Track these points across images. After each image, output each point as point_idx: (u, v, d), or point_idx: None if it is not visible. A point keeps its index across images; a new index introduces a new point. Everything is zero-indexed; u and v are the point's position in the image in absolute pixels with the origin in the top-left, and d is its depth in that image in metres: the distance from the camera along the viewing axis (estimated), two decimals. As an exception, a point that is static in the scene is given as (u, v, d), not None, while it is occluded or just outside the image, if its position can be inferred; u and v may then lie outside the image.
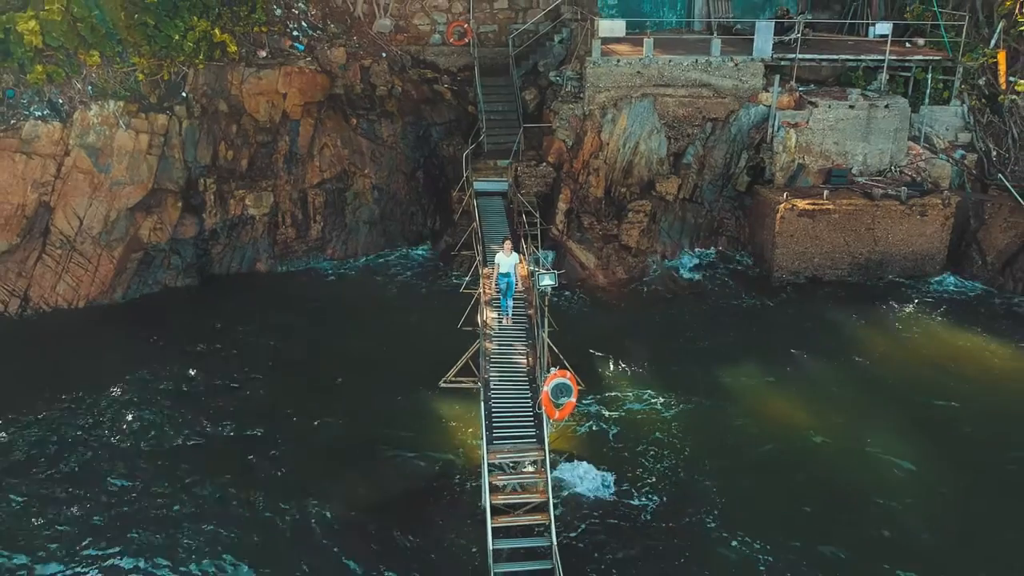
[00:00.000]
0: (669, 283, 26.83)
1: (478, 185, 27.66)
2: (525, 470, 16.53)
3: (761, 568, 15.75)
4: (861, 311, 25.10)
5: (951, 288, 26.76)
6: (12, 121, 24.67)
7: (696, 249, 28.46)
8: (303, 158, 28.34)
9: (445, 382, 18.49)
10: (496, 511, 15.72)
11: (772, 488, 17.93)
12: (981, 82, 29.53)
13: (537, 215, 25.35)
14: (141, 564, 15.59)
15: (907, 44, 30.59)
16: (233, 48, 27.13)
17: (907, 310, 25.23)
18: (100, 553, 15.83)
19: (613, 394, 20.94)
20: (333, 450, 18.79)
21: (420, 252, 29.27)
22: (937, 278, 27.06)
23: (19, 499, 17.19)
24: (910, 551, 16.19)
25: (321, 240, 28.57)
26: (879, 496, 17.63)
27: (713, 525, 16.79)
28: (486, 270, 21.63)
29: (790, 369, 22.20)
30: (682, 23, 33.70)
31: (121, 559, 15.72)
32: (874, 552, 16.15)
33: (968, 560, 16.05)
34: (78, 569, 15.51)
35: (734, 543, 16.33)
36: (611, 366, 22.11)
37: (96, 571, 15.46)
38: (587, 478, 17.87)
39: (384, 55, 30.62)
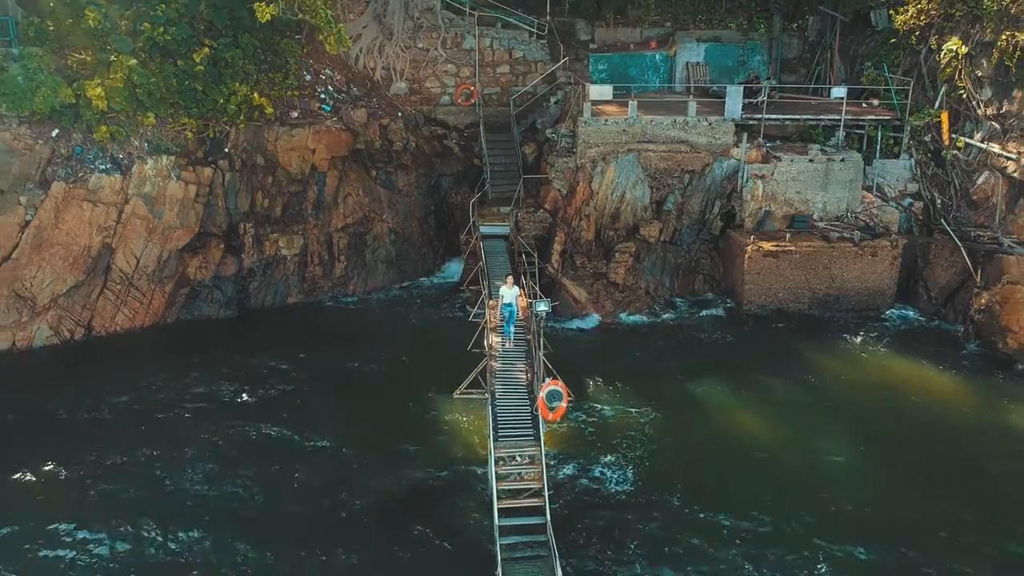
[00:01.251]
0: (651, 315, 30.50)
1: (483, 229, 31.43)
2: (524, 462, 20.01)
3: (717, 535, 19.19)
4: (818, 339, 28.74)
5: (899, 319, 30.39)
6: (80, 174, 28.46)
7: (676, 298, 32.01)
8: (329, 205, 32.17)
9: (458, 393, 22.17)
10: (501, 495, 19.20)
11: (730, 475, 21.42)
12: (927, 139, 33.45)
13: (535, 255, 29.17)
14: (194, 534, 18.99)
15: (864, 104, 34.62)
16: (269, 110, 31.04)
17: (859, 338, 28.88)
18: (157, 530, 19.26)
19: (596, 403, 24.51)
20: (362, 449, 22.26)
21: (432, 280, 33.01)
22: (887, 311, 30.67)
23: (92, 479, 20.67)
24: (845, 525, 19.61)
25: (344, 277, 32.29)
26: (822, 484, 21.12)
27: (677, 504, 20.29)
28: (491, 302, 25.29)
29: (753, 386, 25.72)
30: (665, 86, 37.70)
31: (174, 533, 19.12)
32: (816, 525, 19.60)
33: (893, 532, 19.46)
34: (145, 539, 18.92)
35: (695, 517, 19.78)
36: (596, 380, 25.68)
37: (153, 547, 18.86)
38: (574, 468, 21.36)
39: (400, 114, 34.63)
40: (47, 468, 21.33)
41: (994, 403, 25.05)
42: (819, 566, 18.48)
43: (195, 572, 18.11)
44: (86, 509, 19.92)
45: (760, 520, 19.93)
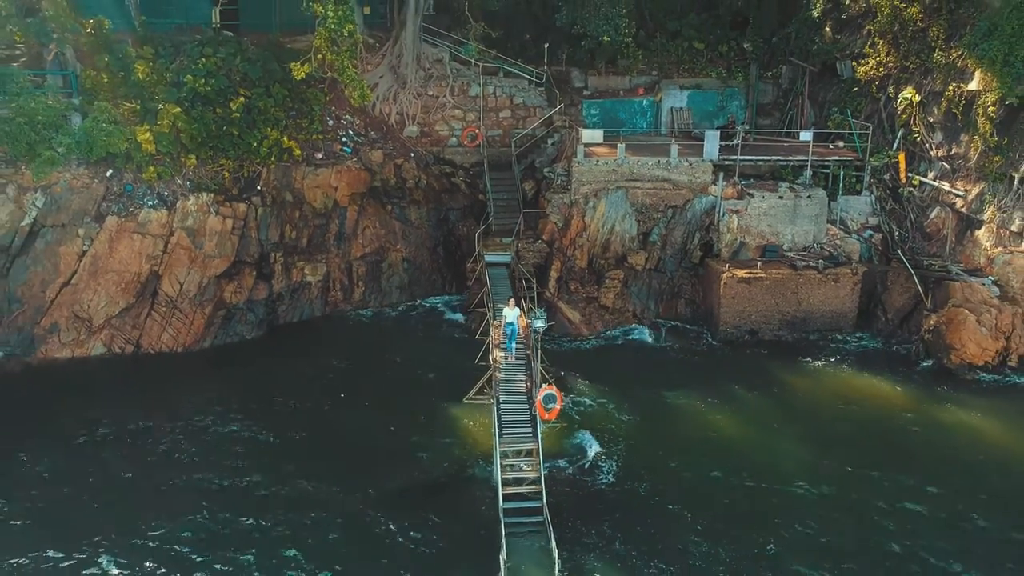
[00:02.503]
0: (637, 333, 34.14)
1: (487, 257, 35.01)
2: (524, 456, 23.50)
3: (687, 519, 22.67)
4: (785, 356, 32.29)
5: (858, 339, 33.97)
6: (131, 209, 32.15)
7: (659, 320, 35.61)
8: (349, 237, 35.89)
9: (467, 399, 25.75)
10: (505, 483, 22.70)
11: (701, 469, 24.99)
12: (886, 177, 37.24)
13: (534, 281, 32.84)
14: (241, 509, 22.49)
15: (831, 146, 38.43)
16: (297, 152, 34.81)
17: (822, 354, 32.44)
18: (210, 505, 22.75)
19: (586, 408, 28.11)
20: (384, 446, 25.83)
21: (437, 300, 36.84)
22: (849, 331, 34.23)
23: (142, 477, 24.20)
24: (800, 513, 23.11)
25: (363, 301, 35.93)
26: (780, 480, 24.59)
27: (654, 492, 23.88)
28: (495, 322, 28.88)
29: (727, 394, 29.29)
30: (652, 129, 41.44)
31: (222, 508, 22.60)
32: (776, 509, 23.14)
33: (844, 513, 22.99)
34: (196, 525, 22.40)
35: (669, 503, 23.29)
36: (586, 389, 29.23)
37: (208, 520, 22.34)
38: (567, 461, 24.91)
39: (412, 155, 38.43)
40: (114, 458, 24.96)
41: (936, 410, 28.60)
42: (775, 543, 21.94)
43: (250, 535, 21.63)
44: (152, 494, 23.51)
45: (726, 505, 23.47)
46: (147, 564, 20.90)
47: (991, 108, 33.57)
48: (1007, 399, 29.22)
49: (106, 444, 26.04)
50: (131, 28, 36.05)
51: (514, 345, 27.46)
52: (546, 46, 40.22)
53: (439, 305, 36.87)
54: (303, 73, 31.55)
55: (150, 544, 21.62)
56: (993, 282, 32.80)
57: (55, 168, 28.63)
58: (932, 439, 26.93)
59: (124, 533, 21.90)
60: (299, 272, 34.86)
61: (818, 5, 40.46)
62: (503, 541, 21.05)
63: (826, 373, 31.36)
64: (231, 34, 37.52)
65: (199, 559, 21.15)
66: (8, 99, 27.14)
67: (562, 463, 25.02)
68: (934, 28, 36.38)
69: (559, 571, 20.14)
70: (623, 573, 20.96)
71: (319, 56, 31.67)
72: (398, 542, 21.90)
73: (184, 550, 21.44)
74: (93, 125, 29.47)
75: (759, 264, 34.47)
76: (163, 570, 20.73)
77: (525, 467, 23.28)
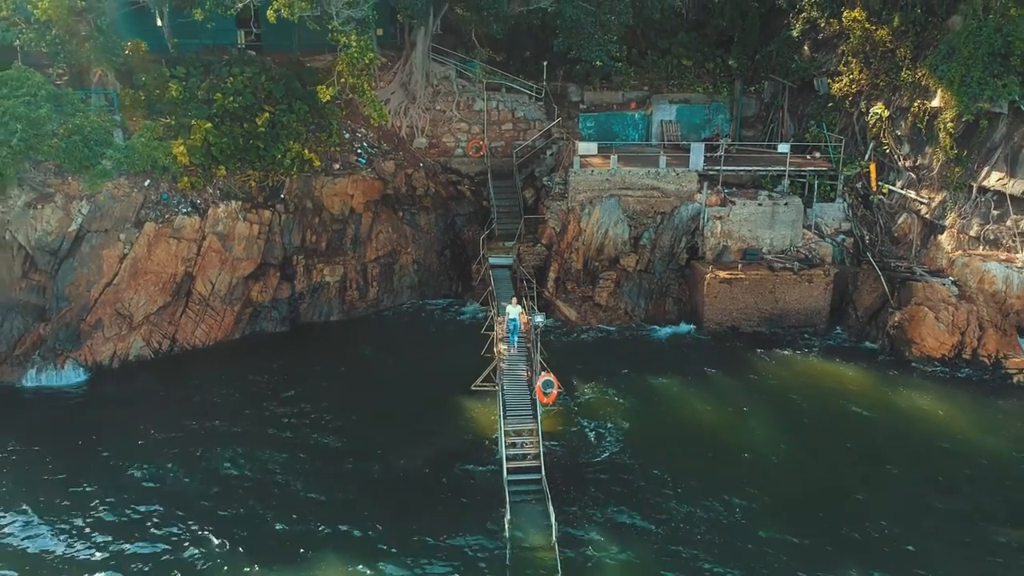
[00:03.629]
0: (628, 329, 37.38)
1: (491, 259, 38.20)
2: (525, 434, 26.69)
3: (671, 489, 25.88)
4: (763, 349, 35.45)
5: (830, 334, 37.18)
6: (167, 216, 35.29)
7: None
8: (364, 241, 39.08)
9: (474, 386, 29.01)
10: (509, 458, 25.92)
11: (684, 447, 28.19)
12: (858, 186, 40.47)
13: (534, 281, 36.03)
14: (275, 483, 25.71)
15: (808, 157, 41.64)
16: (317, 163, 37.94)
17: (796, 348, 35.63)
18: (250, 479, 25.96)
19: (580, 393, 31.32)
20: (400, 427, 28.99)
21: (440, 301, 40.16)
22: (822, 327, 37.42)
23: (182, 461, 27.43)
24: (769, 482, 26.31)
25: (376, 300, 39.15)
26: (754, 454, 27.85)
27: (640, 466, 27.03)
28: (499, 318, 32.08)
29: (708, 383, 32.48)
30: (643, 141, 44.63)
31: (258, 481, 25.83)
32: (747, 480, 26.30)
33: (803, 486, 26.20)
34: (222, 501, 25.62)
35: (654, 476, 26.47)
36: (581, 376, 32.40)
37: (231, 511, 25.54)
38: (562, 439, 28.16)
39: (421, 165, 41.65)
40: (159, 438, 28.22)
41: (894, 396, 31.79)
42: (746, 510, 25.12)
43: (282, 501, 24.93)
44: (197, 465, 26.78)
45: (705, 475, 26.71)
46: (199, 515, 24.16)
47: (950, 124, 36.83)
48: (958, 389, 32.35)
49: (155, 425, 29.25)
50: (164, 49, 39.23)
51: (516, 339, 30.66)
52: (545, 63, 43.37)
53: (447, 304, 40.06)
54: (328, 95, 34.67)
55: (204, 502, 24.89)
56: (953, 282, 35.96)
57: (106, 180, 31.75)
58: (889, 421, 30.13)
59: (176, 491, 25.24)
60: (319, 273, 38.04)
61: (797, 26, 43.63)
62: (507, 506, 24.30)
63: (799, 364, 34.53)
64: (254, 54, 40.77)
65: (242, 512, 24.56)
66: (64, 119, 30.24)
67: (559, 440, 28.23)
68: (901, 49, 39.62)
69: (555, 530, 23.33)
70: (612, 532, 24.11)
71: (341, 80, 34.77)
72: (417, 508, 25.06)
73: (228, 508, 24.75)
74: (139, 141, 32.61)
75: (740, 266, 37.68)
76: (211, 527, 23.93)
77: (526, 444, 26.49)
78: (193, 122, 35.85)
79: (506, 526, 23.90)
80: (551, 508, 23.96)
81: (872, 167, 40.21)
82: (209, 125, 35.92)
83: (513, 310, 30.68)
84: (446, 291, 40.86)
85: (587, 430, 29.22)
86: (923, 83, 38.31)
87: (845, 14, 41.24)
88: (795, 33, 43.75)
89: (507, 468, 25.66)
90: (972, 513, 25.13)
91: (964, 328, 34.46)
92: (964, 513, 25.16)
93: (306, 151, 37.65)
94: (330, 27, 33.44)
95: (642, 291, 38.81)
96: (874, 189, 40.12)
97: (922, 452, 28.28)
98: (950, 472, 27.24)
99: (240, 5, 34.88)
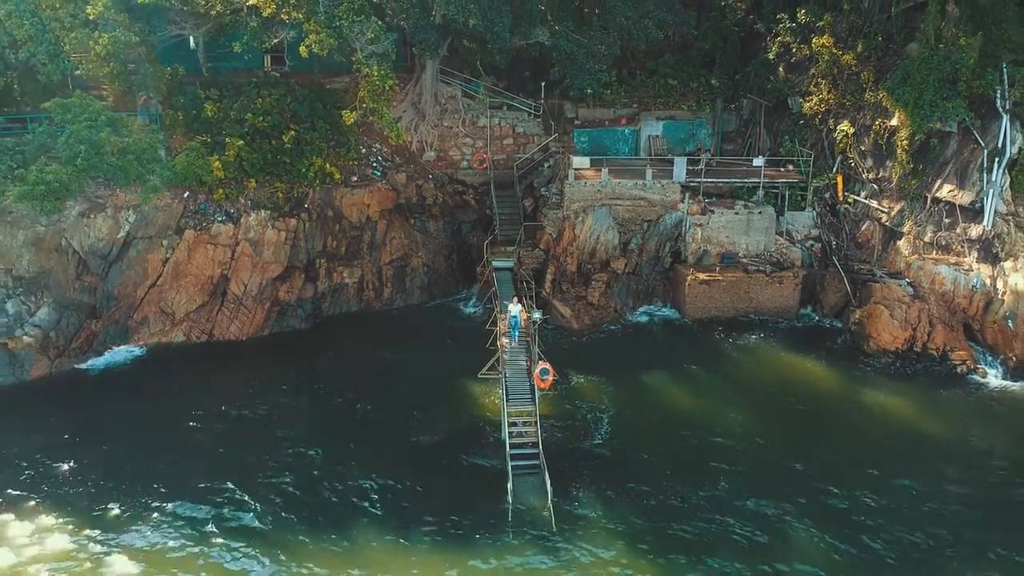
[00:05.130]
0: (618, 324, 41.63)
1: (494, 263, 42.32)
2: (525, 416, 30.89)
3: (654, 466, 30.10)
4: (737, 342, 39.67)
5: (797, 329, 41.38)
6: (204, 224, 39.45)
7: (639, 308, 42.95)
8: (379, 245, 43.28)
9: (481, 374, 33.22)
10: (511, 436, 30.14)
11: (665, 428, 32.42)
12: (826, 196, 44.66)
13: (533, 282, 40.25)
14: (307, 456, 29.96)
15: (781, 169, 45.82)
16: (337, 176, 42.09)
17: (767, 343, 39.81)
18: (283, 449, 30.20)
19: (575, 380, 35.52)
20: (414, 409, 33.20)
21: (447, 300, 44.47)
22: (791, 324, 41.61)
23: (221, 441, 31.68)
24: (742, 458, 30.54)
25: (391, 299, 43.37)
26: (729, 435, 32.03)
27: (626, 444, 31.25)
28: (502, 315, 36.27)
29: (688, 371, 36.71)
30: (632, 155, 48.77)
31: (277, 469, 30.07)
32: (722, 456, 30.55)
33: (769, 463, 30.43)
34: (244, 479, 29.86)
35: (639, 454, 30.70)
36: (573, 365, 36.56)
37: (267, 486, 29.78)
38: (557, 421, 32.41)
39: (430, 176, 45.84)
40: (207, 418, 32.54)
41: (851, 384, 36.03)
42: (722, 483, 29.32)
43: (312, 471, 29.20)
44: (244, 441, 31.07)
45: (685, 453, 31.01)
46: (242, 483, 28.41)
47: (906, 141, 41.05)
48: (908, 378, 36.61)
49: (197, 409, 33.49)
50: (199, 72, 43.40)
51: (517, 333, 34.84)
52: (543, 84, 47.52)
53: (454, 302, 44.30)
54: (352, 119, 38.79)
55: (249, 474, 29.15)
56: (909, 284, 40.22)
57: (156, 194, 35.94)
58: (845, 405, 34.46)
59: (221, 466, 29.52)
60: (339, 275, 42.23)
61: (773, 49, 47.73)
62: (509, 478, 28.55)
63: (770, 357, 38.71)
64: (279, 75, 44.93)
65: (276, 481, 28.82)
66: (119, 139, 34.41)
67: (555, 421, 32.47)
68: (864, 73, 43.81)
69: (551, 495, 27.58)
70: (599, 497, 28.40)
71: (363, 105, 38.94)
72: (433, 476, 29.33)
73: (265, 478, 29.04)
74: (184, 159, 36.78)
75: (718, 268, 41.90)
76: (246, 495, 28.19)
77: (526, 424, 30.72)
78: (227, 140, 39.98)
79: (509, 495, 28.14)
80: (547, 477, 28.21)
81: (839, 179, 44.36)
82: (241, 142, 40.03)
83: (514, 308, 34.83)
84: (453, 291, 45.04)
85: (580, 413, 33.46)
86: (883, 104, 42.48)
87: (815, 40, 45.33)
88: (771, 56, 47.80)
89: (509, 445, 29.88)
90: (905, 475, 29.74)
91: (916, 324, 38.66)
92: (898, 475, 29.77)
93: (327, 165, 41.77)
94: (354, 59, 37.60)
95: (630, 291, 43.00)
96: (840, 199, 44.28)
97: (871, 430, 32.63)
98: (895, 446, 31.60)
99: (275, 40, 38.95)
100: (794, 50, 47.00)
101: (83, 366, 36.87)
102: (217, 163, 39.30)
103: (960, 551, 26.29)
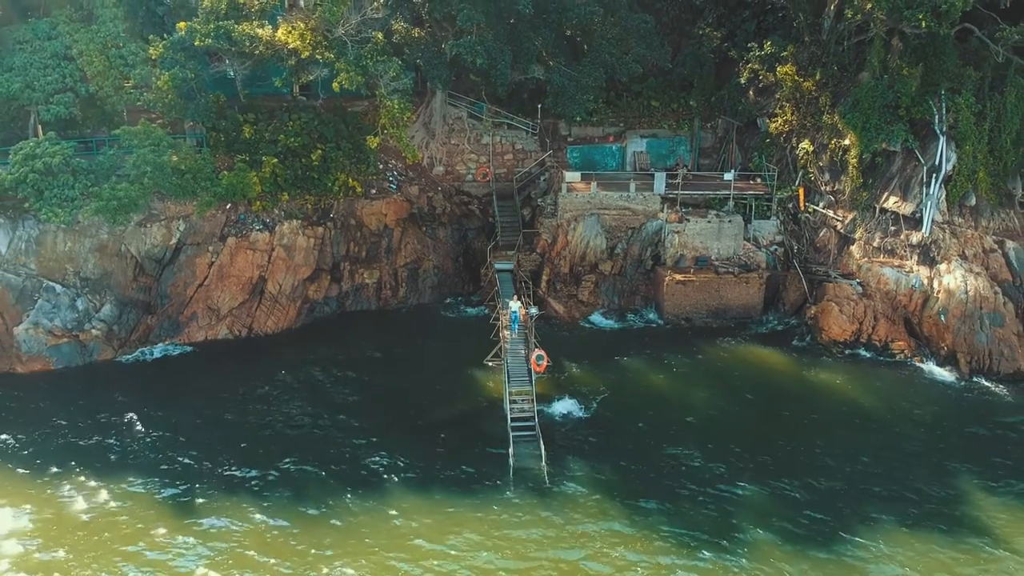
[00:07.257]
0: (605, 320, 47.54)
1: (497, 265, 48.14)
2: (523, 394, 36.78)
3: (637, 442, 36.02)
4: (710, 336, 45.55)
5: (761, 323, 47.29)
6: (244, 232, 45.25)
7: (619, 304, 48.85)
8: (395, 250, 49.16)
9: (486, 361, 39.22)
10: (512, 411, 36.08)
11: (646, 408, 38.32)
12: (789, 206, 50.52)
13: (530, 282, 46.19)
14: (332, 431, 35.88)
15: (750, 182, 51.67)
16: (359, 189, 47.91)
17: (735, 335, 45.68)
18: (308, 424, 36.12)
19: (566, 366, 41.42)
20: (427, 389, 39.11)
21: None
22: (756, 319, 47.53)
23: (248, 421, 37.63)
24: (712, 435, 36.47)
25: (405, 297, 49.28)
26: (700, 417, 37.95)
27: (612, 421, 37.17)
28: (503, 311, 42.17)
29: (666, 364, 42.57)
30: (619, 169, 54.60)
31: (298, 455, 35.99)
32: (694, 435, 36.48)
33: (732, 431, 36.36)
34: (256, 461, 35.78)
35: (624, 431, 36.59)
36: (565, 354, 42.41)
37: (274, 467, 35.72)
38: (551, 399, 38.41)
39: (439, 189, 51.73)
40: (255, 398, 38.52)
41: (807, 370, 42.01)
42: (698, 457, 35.12)
43: (336, 439, 35.19)
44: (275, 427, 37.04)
45: (662, 429, 36.93)
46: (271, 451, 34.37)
47: (856, 159, 46.95)
48: (854, 365, 42.58)
49: (246, 394, 39.41)
50: (236, 97, 49.20)
51: (516, 327, 40.77)
52: (540, 106, 53.36)
53: (461, 300, 50.21)
54: (375, 143, 44.75)
55: (285, 444, 35.10)
56: (859, 283, 46.13)
57: (210, 208, 41.84)
58: (799, 386, 40.51)
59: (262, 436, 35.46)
60: (360, 276, 48.13)
61: (744, 75, 53.45)
62: (511, 444, 34.50)
63: (737, 347, 44.61)
64: (305, 99, 50.76)
65: (303, 453, 34.69)
66: (179, 160, 40.30)
67: (548, 400, 38.40)
68: (822, 97, 49.67)
69: (544, 458, 33.55)
70: (586, 460, 34.37)
71: (385, 131, 44.90)
72: (441, 448, 35.23)
73: (301, 443, 35.01)
74: (236, 177, 42.71)
75: (692, 270, 47.79)
76: (275, 464, 34.12)
77: (524, 401, 36.65)
78: (264, 158, 45.80)
79: (510, 458, 34.07)
80: (542, 444, 34.19)
81: (800, 191, 50.17)
82: (275, 160, 45.79)
83: (514, 305, 40.75)
84: (460, 290, 50.92)
85: (570, 393, 39.34)
86: (837, 126, 48.33)
87: (780, 68, 51.09)
88: (742, 81, 53.32)
89: (510, 418, 35.84)
90: (849, 444, 35.86)
91: (862, 319, 44.61)
92: (843, 443, 35.89)
93: (350, 180, 47.57)
94: (377, 93, 43.56)
95: (616, 290, 48.88)
96: (802, 209, 50.10)
97: (821, 407, 38.73)
98: (840, 419, 37.70)
99: (311, 78, 44.90)
100: (762, 76, 52.67)
101: (141, 355, 42.72)
102: (255, 179, 45.09)
103: (880, 493, 32.60)
